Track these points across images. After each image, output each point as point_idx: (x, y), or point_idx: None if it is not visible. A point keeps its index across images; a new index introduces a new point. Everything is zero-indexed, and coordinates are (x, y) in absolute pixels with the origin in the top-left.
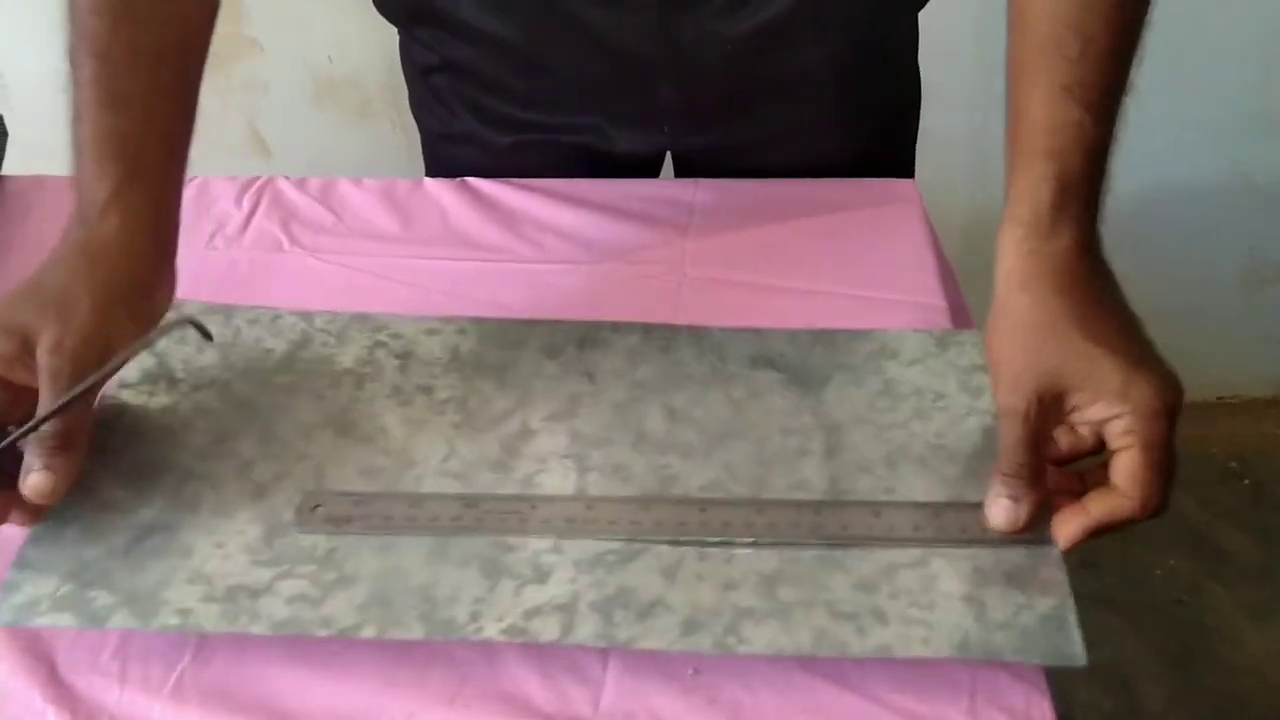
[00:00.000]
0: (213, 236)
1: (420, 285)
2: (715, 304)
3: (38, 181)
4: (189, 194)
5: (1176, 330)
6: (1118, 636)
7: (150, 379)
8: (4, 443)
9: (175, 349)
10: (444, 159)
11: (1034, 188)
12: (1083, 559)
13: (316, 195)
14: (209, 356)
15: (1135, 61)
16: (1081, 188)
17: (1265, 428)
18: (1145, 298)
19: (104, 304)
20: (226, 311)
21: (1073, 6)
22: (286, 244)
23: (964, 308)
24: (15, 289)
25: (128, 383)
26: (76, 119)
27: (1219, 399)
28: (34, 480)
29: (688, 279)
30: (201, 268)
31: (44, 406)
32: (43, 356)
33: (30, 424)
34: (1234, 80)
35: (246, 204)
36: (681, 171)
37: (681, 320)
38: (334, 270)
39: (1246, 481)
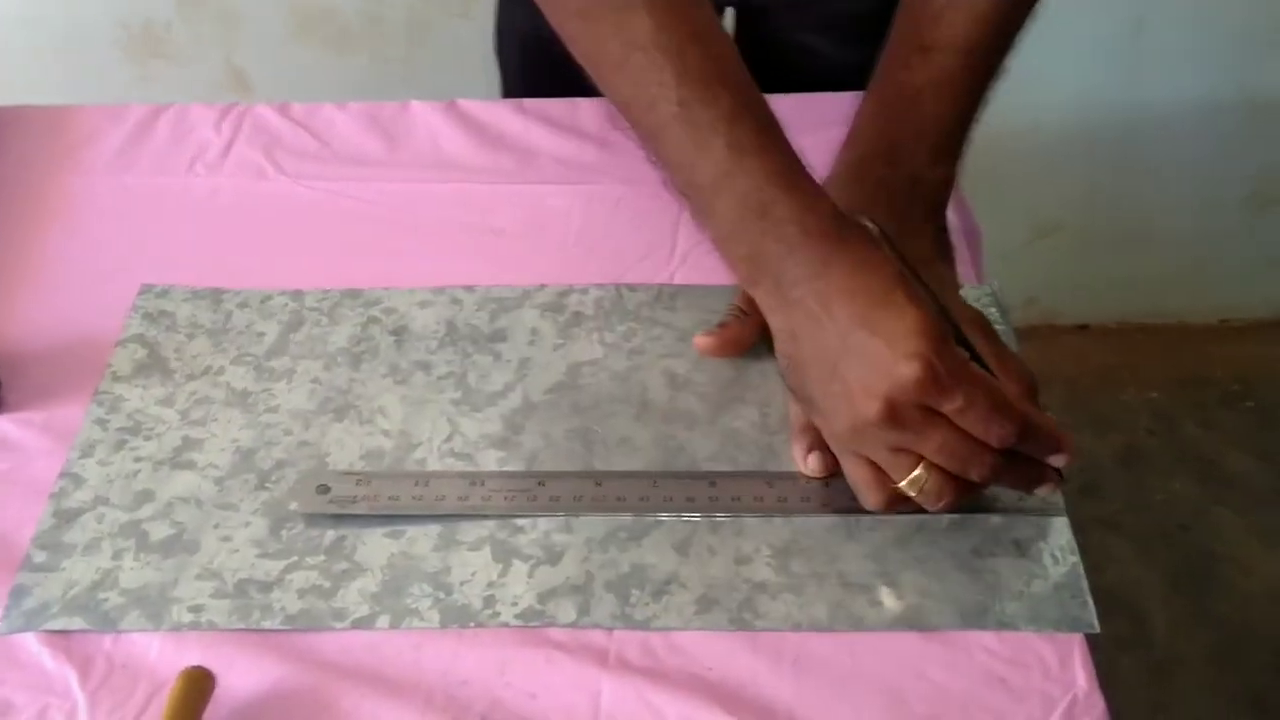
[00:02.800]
0: (193, 163)
1: (409, 210)
2: None
3: (18, 113)
4: (167, 123)
5: (1180, 253)
6: (1123, 561)
7: (143, 371)
8: None
9: (166, 337)
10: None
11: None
12: (1083, 485)
13: (300, 120)
14: (201, 344)
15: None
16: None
17: (1269, 350)
18: (1149, 221)
19: None
20: (215, 295)
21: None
22: (270, 171)
23: (975, 230)
24: None
25: (121, 375)
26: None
27: (1222, 321)
28: None
29: None
30: (184, 196)
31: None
32: None
33: None
34: (1238, 1)
35: (226, 130)
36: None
37: (683, 244)
38: (320, 197)
39: (1250, 404)
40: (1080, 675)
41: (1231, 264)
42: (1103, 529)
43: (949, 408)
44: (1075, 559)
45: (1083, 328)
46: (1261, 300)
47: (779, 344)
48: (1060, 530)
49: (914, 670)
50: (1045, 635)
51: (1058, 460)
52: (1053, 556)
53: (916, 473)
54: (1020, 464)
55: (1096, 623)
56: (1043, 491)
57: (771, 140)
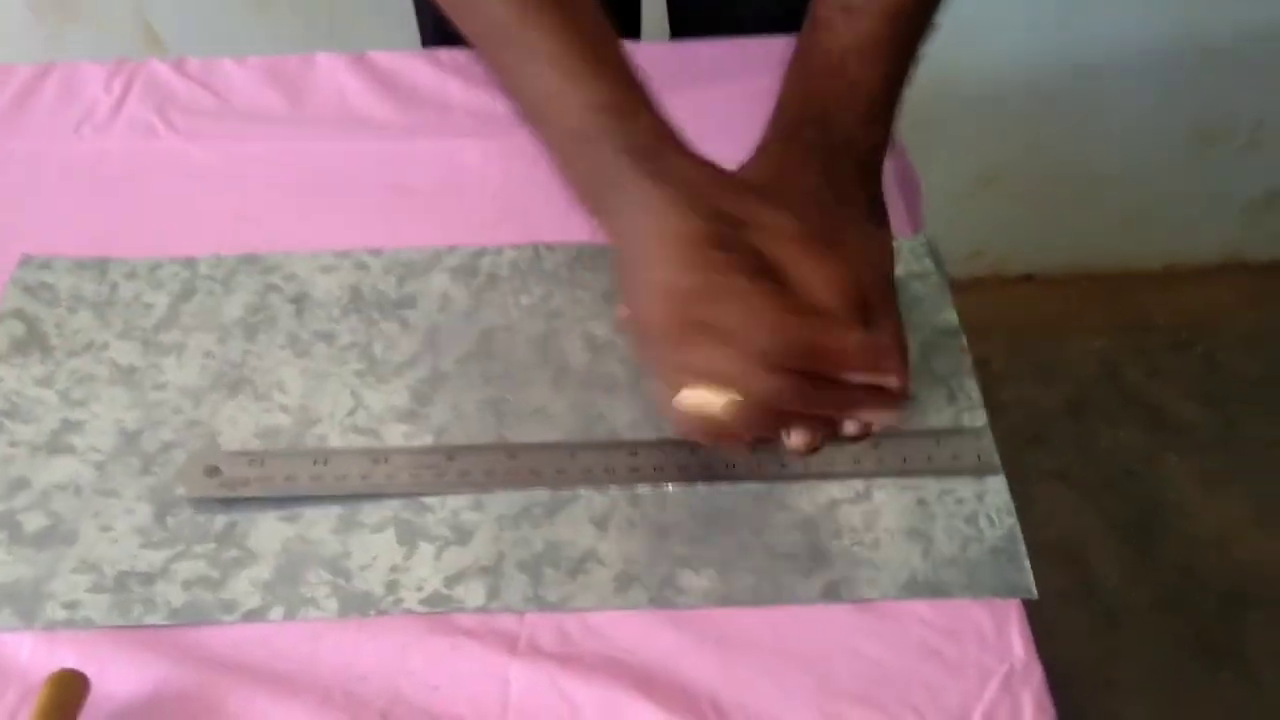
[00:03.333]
0: (79, 125)
1: (313, 170)
2: None
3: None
4: (55, 82)
5: (1125, 199)
6: (1069, 511)
7: (21, 348)
8: None
9: (46, 312)
10: None
11: None
12: (1030, 436)
13: (196, 77)
14: (84, 319)
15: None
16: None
17: (1215, 295)
18: (1093, 167)
19: None
20: (100, 265)
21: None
22: (162, 130)
23: (914, 179)
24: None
25: None
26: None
27: (1167, 267)
28: None
29: None
30: (69, 159)
31: None
32: None
33: None
34: None
35: (117, 88)
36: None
37: None
38: (215, 158)
39: (1198, 350)
40: (1017, 644)
41: (1176, 208)
42: (1050, 480)
43: (722, 320)
44: (1012, 521)
45: (1028, 278)
46: (1207, 244)
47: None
48: (997, 490)
49: (845, 645)
50: (982, 602)
51: (884, 381)
52: (989, 519)
53: (703, 394)
54: (836, 390)
55: (1034, 587)
56: (880, 420)
57: (607, 65)
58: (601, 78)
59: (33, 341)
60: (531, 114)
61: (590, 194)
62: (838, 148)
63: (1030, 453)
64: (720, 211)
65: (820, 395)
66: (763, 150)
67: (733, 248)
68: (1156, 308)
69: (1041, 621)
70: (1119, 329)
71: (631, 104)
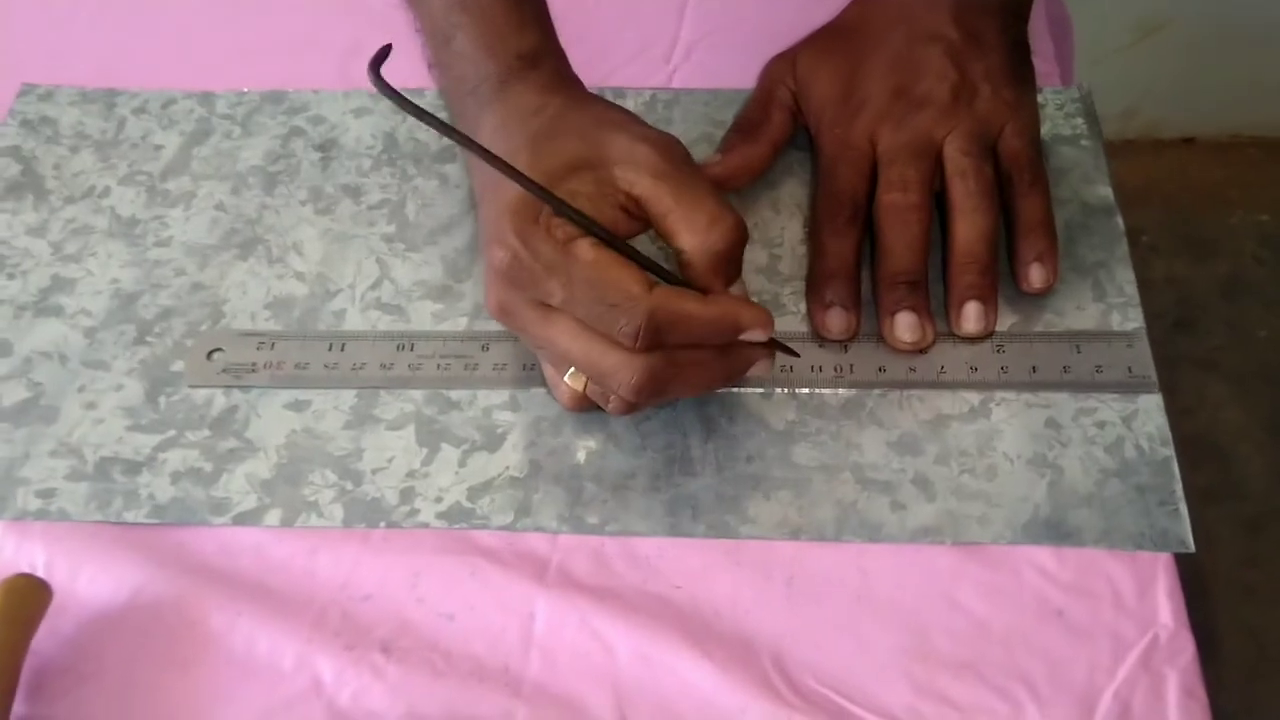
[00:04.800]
0: None
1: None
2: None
3: None
4: None
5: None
6: (1216, 404)
7: (14, 191)
8: None
9: (45, 150)
10: None
11: None
12: (1178, 319)
13: None
14: (86, 159)
15: None
16: None
17: None
18: (1270, 14)
19: None
20: (108, 97)
21: None
22: None
23: (1065, 21)
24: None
25: None
26: None
27: None
28: None
29: None
30: None
31: None
32: None
33: None
34: None
35: None
36: None
37: (688, 34)
38: None
39: None
40: (1165, 609)
41: None
42: (1197, 369)
43: (555, 300)
44: (1169, 453)
45: (1188, 141)
46: None
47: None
48: (1151, 413)
49: (943, 596)
50: (1122, 554)
51: (751, 336)
52: (1138, 448)
53: (574, 374)
54: (707, 357)
55: (1191, 540)
56: (755, 373)
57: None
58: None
59: (27, 184)
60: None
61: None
62: None
63: (1178, 338)
64: (560, 165)
65: (692, 363)
66: None
67: (564, 213)
68: None
69: None
70: None
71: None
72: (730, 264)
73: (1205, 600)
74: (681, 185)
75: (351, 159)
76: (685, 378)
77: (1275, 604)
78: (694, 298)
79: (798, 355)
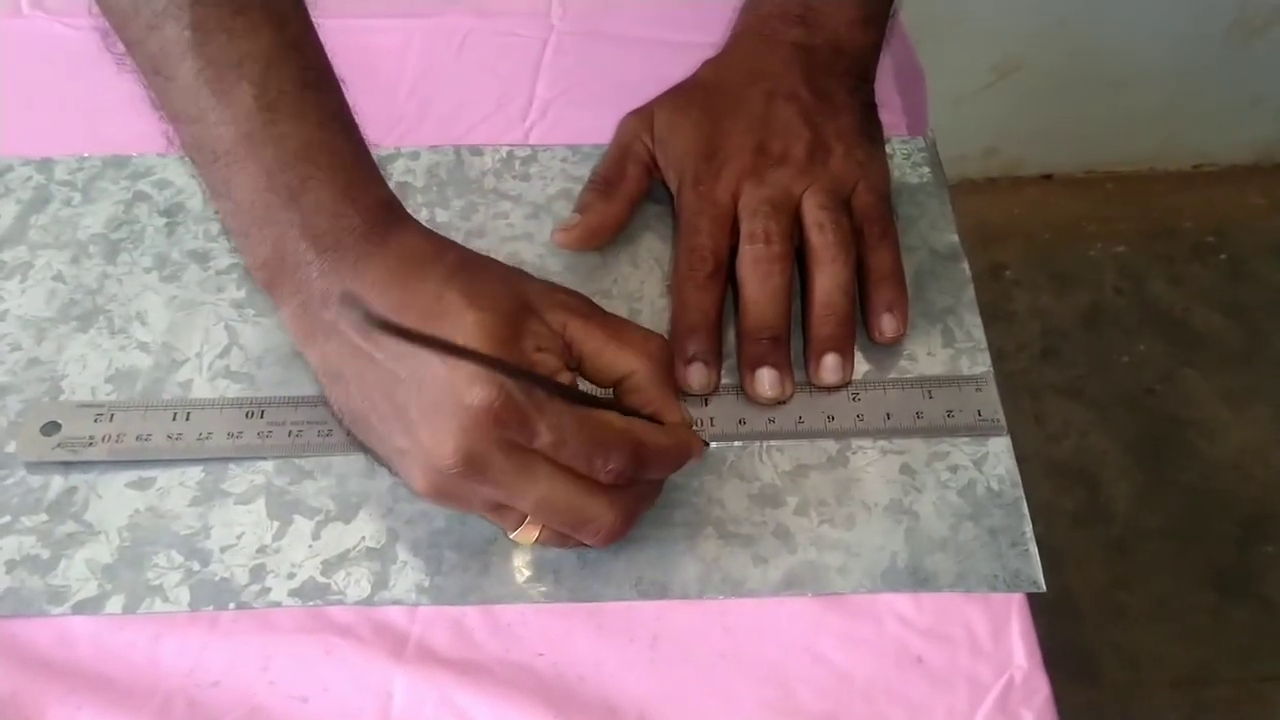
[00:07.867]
0: None
1: None
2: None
3: None
4: None
5: (1153, 93)
6: (1083, 430)
7: None
8: None
9: None
10: None
11: None
12: (1044, 349)
13: None
14: None
15: None
16: None
17: (1245, 197)
18: (1119, 58)
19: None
20: None
21: None
22: (26, 7)
23: (917, 73)
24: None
25: None
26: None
27: (1195, 167)
28: None
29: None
30: None
31: None
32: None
33: None
34: None
35: None
36: None
37: (545, 91)
38: (87, 41)
39: (1224, 256)
40: (1019, 650)
41: (1208, 103)
42: (1063, 396)
43: (540, 442)
44: (1018, 494)
45: (1046, 177)
46: (1240, 143)
47: (325, 389)
48: (1000, 455)
49: (806, 649)
50: (977, 597)
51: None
52: (989, 490)
53: (525, 529)
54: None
55: (1042, 580)
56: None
57: (320, 95)
58: (313, 108)
59: None
60: (202, 151)
61: (285, 280)
62: (827, 50)
63: (1043, 368)
64: (510, 311)
65: (648, 494)
66: (733, 46)
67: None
68: (1183, 211)
69: (1050, 546)
70: (1142, 234)
71: (345, 144)
72: (671, 376)
73: (1079, 624)
74: (606, 320)
75: (199, 223)
76: (641, 510)
77: (1146, 624)
78: (655, 429)
79: (710, 446)
